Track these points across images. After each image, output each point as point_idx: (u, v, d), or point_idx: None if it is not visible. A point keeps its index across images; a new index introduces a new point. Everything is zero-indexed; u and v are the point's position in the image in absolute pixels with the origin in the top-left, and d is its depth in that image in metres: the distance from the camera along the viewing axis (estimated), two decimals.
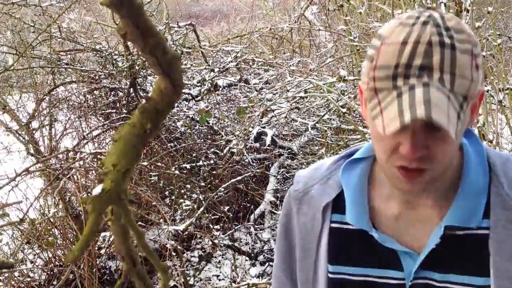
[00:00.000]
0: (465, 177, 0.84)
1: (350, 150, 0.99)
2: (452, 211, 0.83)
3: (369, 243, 0.90)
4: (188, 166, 4.60)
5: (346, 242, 0.93)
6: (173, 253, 3.36)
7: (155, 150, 4.88)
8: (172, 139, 4.80)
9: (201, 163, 4.67)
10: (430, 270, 0.86)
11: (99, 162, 3.63)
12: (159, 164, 4.41)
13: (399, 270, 0.88)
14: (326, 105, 4.08)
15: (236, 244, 4.03)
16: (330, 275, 0.94)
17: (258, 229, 4.19)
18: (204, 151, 4.82)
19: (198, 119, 4.76)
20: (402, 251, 0.87)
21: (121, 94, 4.89)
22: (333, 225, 0.95)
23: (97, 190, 0.35)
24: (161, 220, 3.98)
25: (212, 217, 4.11)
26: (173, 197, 4.23)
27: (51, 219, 3.85)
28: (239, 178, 4.26)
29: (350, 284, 0.92)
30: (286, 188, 4.15)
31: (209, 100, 5.42)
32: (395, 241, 0.88)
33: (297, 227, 0.99)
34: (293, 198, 1.01)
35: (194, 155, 4.79)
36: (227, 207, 4.31)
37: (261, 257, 4.03)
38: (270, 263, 3.76)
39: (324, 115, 4.03)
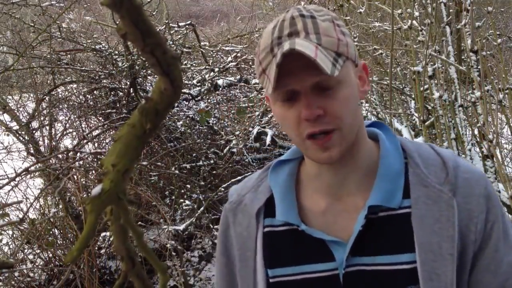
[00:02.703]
0: (383, 161, 0.90)
1: (276, 160, 1.02)
2: (373, 193, 0.88)
3: (300, 239, 0.92)
4: (188, 166, 4.60)
5: (279, 243, 0.95)
6: (173, 253, 3.37)
7: (155, 150, 4.88)
8: (172, 139, 4.80)
9: (201, 163, 4.67)
10: (360, 256, 0.88)
11: (99, 162, 3.63)
12: (159, 164, 4.41)
13: (331, 261, 0.90)
14: None
15: None
16: (271, 280, 0.94)
17: None
18: (204, 151, 4.82)
19: (198, 119, 4.77)
20: (331, 241, 0.89)
21: (121, 94, 4.89)
22: (266, 229, 0.97)
23: (96, 190, 0.35)
24: (161, 220, 3.98)
25: (212, 217, 4.11)
26: (173, 197, 4.23)
27: (51, 219, 3.85)
28: (239, 178, 4.26)
29: (289, 285, 0.93)
30: None
31: (209, 100, 5.42)
32: (324, 233, 0.90)
33: (234, 239, 1.00)
34: (229, 211, 1.02)
35: (194, 155, 4.79)
36: None
37: None
38: None
39: None
